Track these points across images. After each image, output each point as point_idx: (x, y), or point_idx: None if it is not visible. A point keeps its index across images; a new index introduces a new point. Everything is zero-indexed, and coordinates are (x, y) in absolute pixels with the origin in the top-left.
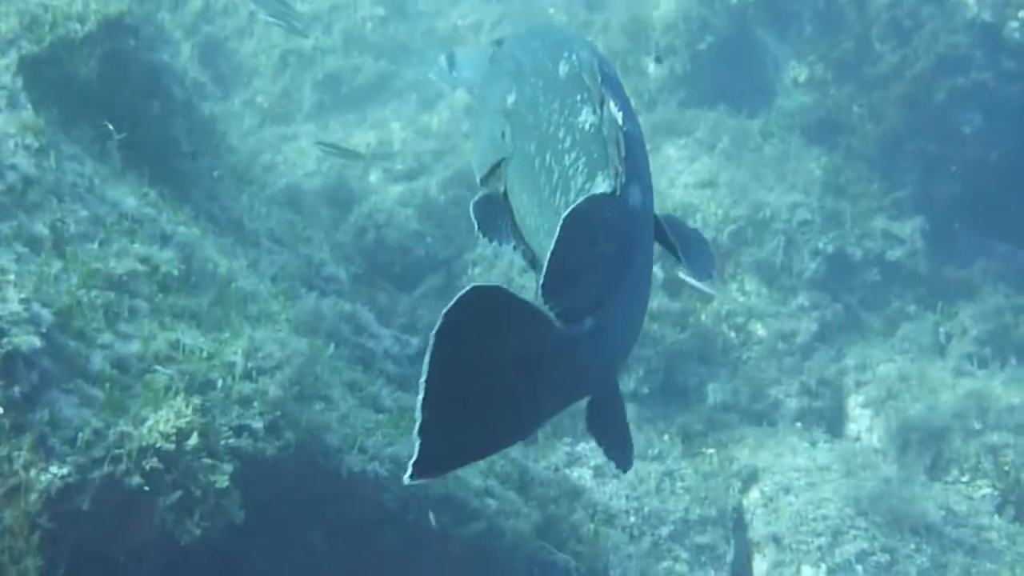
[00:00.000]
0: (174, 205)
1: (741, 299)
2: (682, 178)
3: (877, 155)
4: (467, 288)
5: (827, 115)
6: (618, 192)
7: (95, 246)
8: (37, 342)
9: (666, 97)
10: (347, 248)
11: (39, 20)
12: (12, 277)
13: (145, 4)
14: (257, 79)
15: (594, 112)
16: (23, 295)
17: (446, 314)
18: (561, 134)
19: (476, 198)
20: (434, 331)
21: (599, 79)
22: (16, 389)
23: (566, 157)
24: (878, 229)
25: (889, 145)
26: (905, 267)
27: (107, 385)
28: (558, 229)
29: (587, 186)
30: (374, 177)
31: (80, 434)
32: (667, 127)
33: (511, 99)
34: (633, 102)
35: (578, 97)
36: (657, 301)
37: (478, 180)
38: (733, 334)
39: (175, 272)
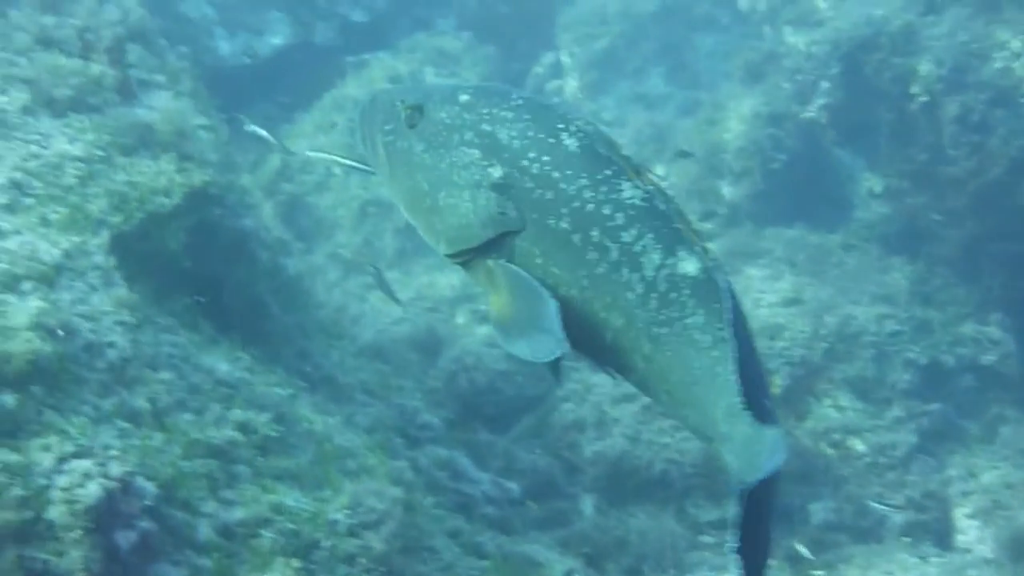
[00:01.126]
0: (267, 367)
1: (836, 415)
2: (766, 298)
3: (960, 260)
4: (779, 437)
5: (906, 224)
6: (711, 267)
7: (194, 415)
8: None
9: (742, 218)
10: (439, 394)
11: (127, 197)
12: (116, 453)
13: (227, 171)
14: (338, 231)
15: (635, 186)
16: (128, 469)
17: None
18: (607, 211)
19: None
20: (758, 480)
21: (619, 150)
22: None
23: (624, 234)
24: (969, 334)
25: (972, 249)
26: (1000, 371)
27: (215, 554)
28: (730, 348)
29: (669, 261)
30: (461, 319)
31: None
32: (746, 247)
33: (497, 173)
34: (710, 224)
35: (608, 172)
36: None
37: (448, 252)
38: (832, 450)
39: (273, 434)
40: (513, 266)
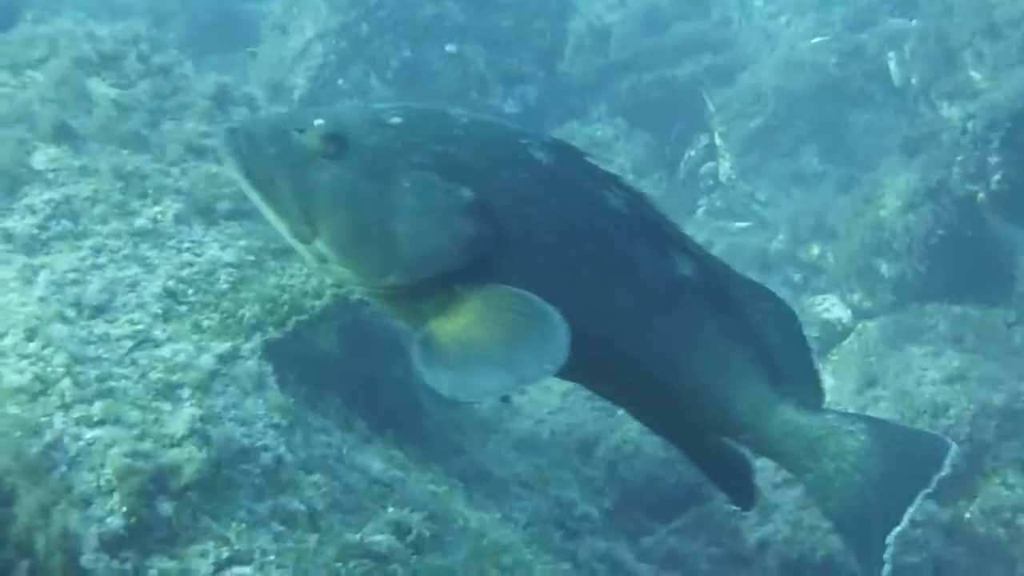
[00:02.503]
0: (422, 464)
1: (1006, 493)
2: (929, 375)
3: None
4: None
5: None
6: (710, 266)
7: (348, 516)
8: None
9: (903, 295)
10: (597, 483)
11: (278, 301)
12: (273, 557)
13: None
14: None
15: (617, 195)
16: (284, 573)
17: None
18: (597, 221)
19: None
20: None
21: (589, 160)
22: None
23: (616, 243)
24: None
25: None
26: None
27: None
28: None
29: (665, 265)
30: (621, 409)
31: None
32: (908, 325)
33: (468, 193)
34: (870, 303)
35: (588, 183)
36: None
37: (402, 281)
38: (1002, 530)
39: (427, 532)
40: (512, 288)
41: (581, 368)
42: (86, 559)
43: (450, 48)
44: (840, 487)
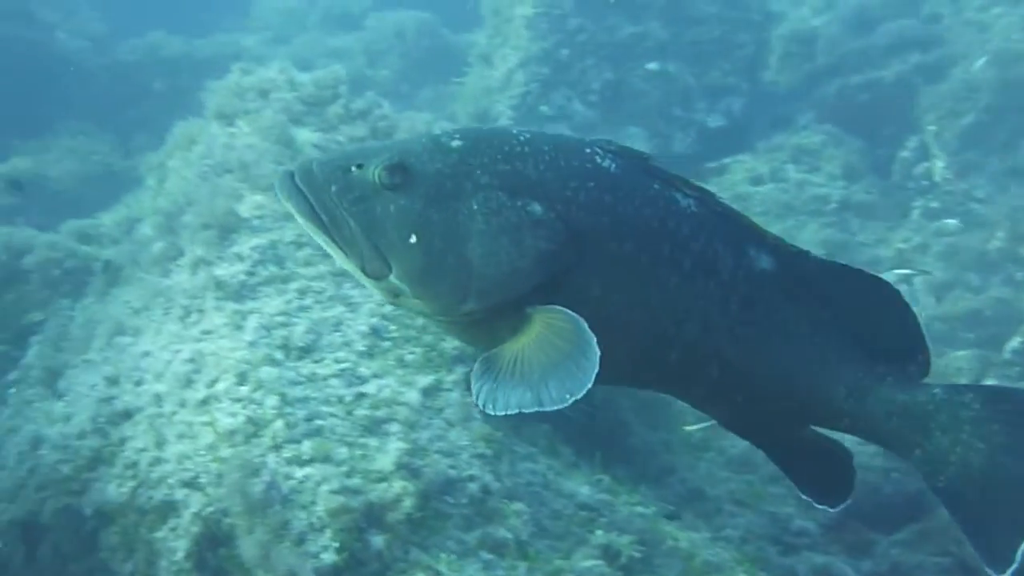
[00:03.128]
0: (629, 486)
1: None
2: None
3: None
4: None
5: None
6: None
7: (556, 541)
8: None
9: None
10: None
11: None
12: None
13: None
14: None
15: (687, 195)
16: None
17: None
18: (672, 224)
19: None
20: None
21: (655, 165)
22: None
23: (692, 243)
24: None
25: None
26: None
27: None
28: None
29: (743, 261)
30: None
31: None
32: None
33: (538, 209)
34: None
35: (656, 186)
36: None
37: (482, 305)
38: None
39: (636, 555)
40: (566, 310)
41: (669, 373)
42: None
43: (652, 66)
44: (956, 460)
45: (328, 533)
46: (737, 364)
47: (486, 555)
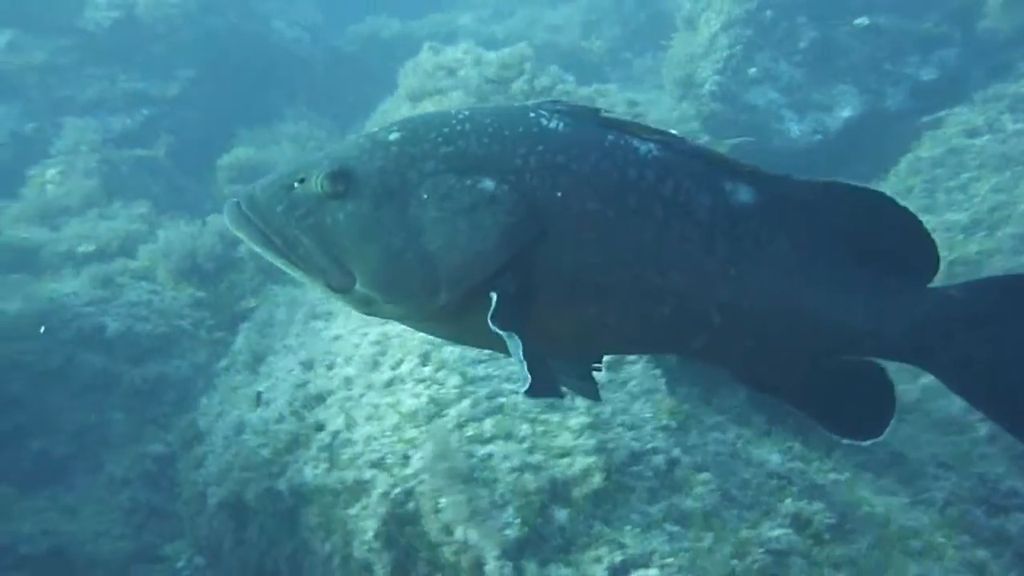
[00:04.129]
0: (821, 453)
1: None
2: None
3: None
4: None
5: None
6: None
7: (744, 511)
8: None
9: None
10: None
11: None
12: (669, 559)
13: None
14: None
15: (645, 140)
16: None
17: None
18: (633, 173)
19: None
20: None
21: (606, 116)
22: None
23: (661, 188)
24: None
25: None
26: None
27: None
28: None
29: (719, 196)
30: None
31: None
32: None
33: (490, 184)
34: None
35: (610, 136)
36: None
37: (454, 295)
38: None
39: (828, 521)
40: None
41: (668, 330)
42: (490, 568)
43: (860, 21)
44: (983, 359)
45: (511, 509)
46: (737, 306)
47: (671, 527)
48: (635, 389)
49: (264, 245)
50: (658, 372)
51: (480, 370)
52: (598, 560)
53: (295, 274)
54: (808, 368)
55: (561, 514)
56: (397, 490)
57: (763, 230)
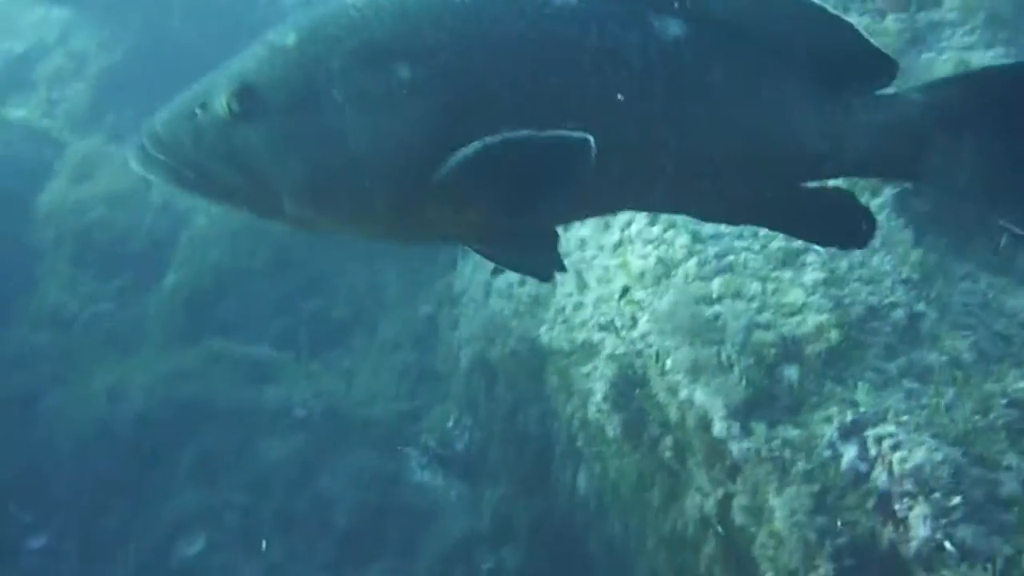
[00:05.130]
0: None
1: None
2: None
3: None
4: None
5: None
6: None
7: (992, 365)
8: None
9: None
10: None
11: None
12: (906, 418)
13: None
14: None
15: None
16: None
17: None
18: (551, 27)
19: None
20: None
21: None
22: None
23: (585, 39)
24: None
25: None
26: None
27: (1016, 508)
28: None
29: (648, 35)
30: None
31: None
32: None
33: (404, 71)
34: None
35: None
36: None
37: (392, 201)
38: None
39: None
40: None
41: (622, 187)
42: (717, 428)
43: None
44: (968, 154)
45: (739, 369)
46: (687, 148)
47: (909, 383)
48: (875, 242)
49: (179, 182)
50: (901, 222)
51: (709, 228)
52: (828, 420)
53: (219, 205)
54: (776, 197)
55: (791, 373)
56: (625, 352)
57: (701, 62)
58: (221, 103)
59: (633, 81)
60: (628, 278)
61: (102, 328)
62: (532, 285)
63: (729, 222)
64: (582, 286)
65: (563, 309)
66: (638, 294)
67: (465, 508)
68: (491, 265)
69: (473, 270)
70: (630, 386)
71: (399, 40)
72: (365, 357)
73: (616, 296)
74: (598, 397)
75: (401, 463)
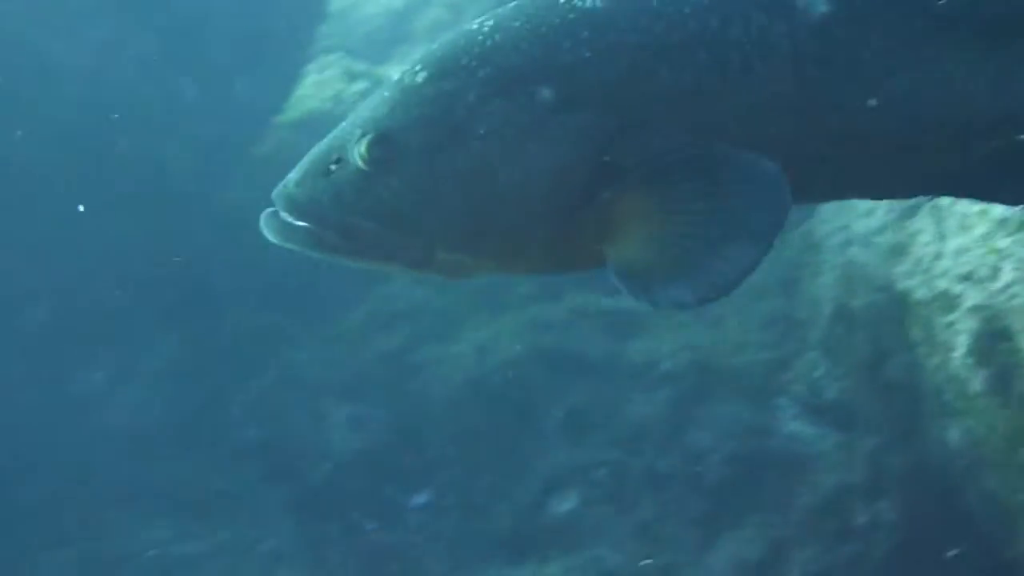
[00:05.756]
0: None
1: None
2: None
3: None
4: None
5: None
6: None
7: None
8: None
9: None
10: None
11: None
12: None
13: None
14: None
15: None
16: None
17: None
18: (697, 26)
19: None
20: None
21: None
22: None
23: (729, 30)
24: None
25: None
26: None
27: None
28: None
29: (796, 21)
30: None
31: None
32: None
33: (547, 92)
34: None
35: None
36: None
37: (552, 225)
38: None
39: None
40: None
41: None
42: None
43: None
44: None
45: None
46: (852, 131)
47: None
48: None
49: (322, 247)
50: None
51: None
52: None
53: (366, 265)
54: (949, 169)
55: None
56: (987, 304)
57: (853, 38)
58: (357, 154)
59: (785, 70)
60: (990, 225)
61: (474, 285)
62: (891, 233)
63: (903, 197)
64: (941, 235)
65: (921, 259)
66: (1000, 242)
67: (838, 460)
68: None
69: (833, 215)
70: (994, 340)
71: (537, 61)
72: (729, 304)
73: (977, 244)
74: (961, 351)
75: (772, 413)
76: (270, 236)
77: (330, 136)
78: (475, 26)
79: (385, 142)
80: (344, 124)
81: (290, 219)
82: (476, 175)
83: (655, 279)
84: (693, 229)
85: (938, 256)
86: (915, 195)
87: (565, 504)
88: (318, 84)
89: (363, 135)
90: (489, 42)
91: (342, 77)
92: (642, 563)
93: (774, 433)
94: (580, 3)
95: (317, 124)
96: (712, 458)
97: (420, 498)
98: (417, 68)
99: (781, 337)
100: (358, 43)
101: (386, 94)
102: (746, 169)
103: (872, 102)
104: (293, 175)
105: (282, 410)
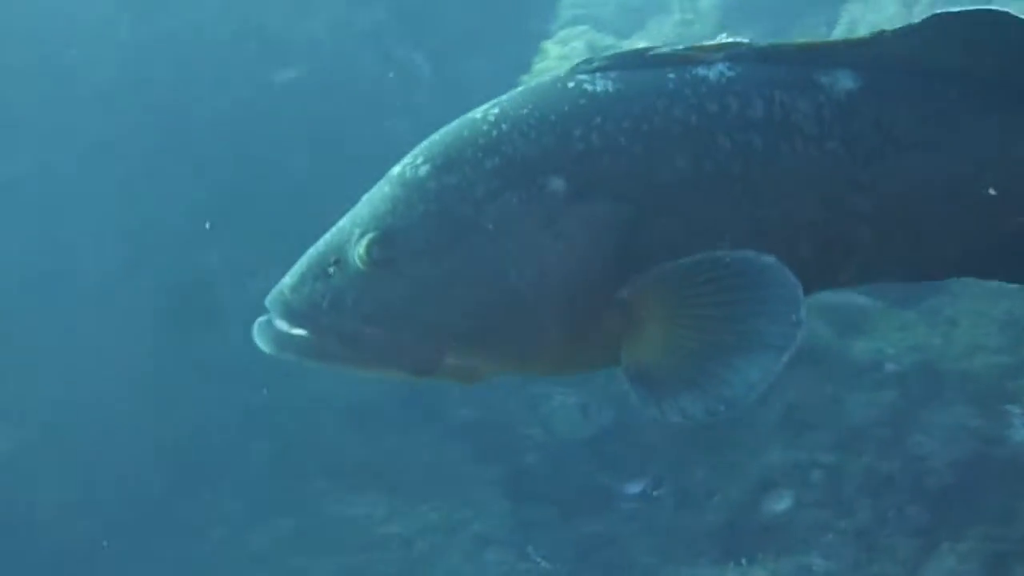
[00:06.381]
0: None
1: None
2: None
3: None
4: None
5: None
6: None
7: None
8: None
9: None
10: None
11: None
12: None
13: None
14: None
15: (708, 64)
16: None
17: None
18: (714, 107)
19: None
20: None
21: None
22: None
23: (750, 112)
24: None
25: None
26: None
27: None
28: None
29: (820, 98)
30: None
31: None
32: None
33: (560, 184)
34: None
35: (671, 75)
36: None
37: (571, 326)
38: None
39: None
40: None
41: (815, 269)
42: None
43: None
44: None
45: None
46: (884, 212)
47: None
48: None
49: (321, 356)
50: None
51: None
52: None
53: (367, 373)
54: (983, 247)
55: None
56: None
57: (880, 113)
58: (357, 256)
59: (807, 149)
60: None
61: None
62: None
63: (935, 279)
64: None
65: None
66: None
67: None
68: None
69: None
70: None
71: (547, 151)
72: (963, 304)
73: None
74: None
75: (1002, 420)
76: (264, 346)
77: (327, 236)
78: (479, 114)
79: (387, 242)
80: (342, 222)
81: (286, 327)
82: (486, 275)
83: (666, 387)
84: (707, 336)
85: None
86: (948, 277)
87: (780, 504)
88: (560, 59)
89: (363, 235)
90: (495, 132)
91: (585, 52)
92: None
93: (1003, 441)
94: (590, 87)
95: None
96: (935, 464)
97: (634, 487)
98: (419, 161)
99: (1018, 340)
100: (610, 13)
101: (386, 189)
102: (765, 276)
103: (902, 179)
104: (288, 279)
105: (498, 394)
